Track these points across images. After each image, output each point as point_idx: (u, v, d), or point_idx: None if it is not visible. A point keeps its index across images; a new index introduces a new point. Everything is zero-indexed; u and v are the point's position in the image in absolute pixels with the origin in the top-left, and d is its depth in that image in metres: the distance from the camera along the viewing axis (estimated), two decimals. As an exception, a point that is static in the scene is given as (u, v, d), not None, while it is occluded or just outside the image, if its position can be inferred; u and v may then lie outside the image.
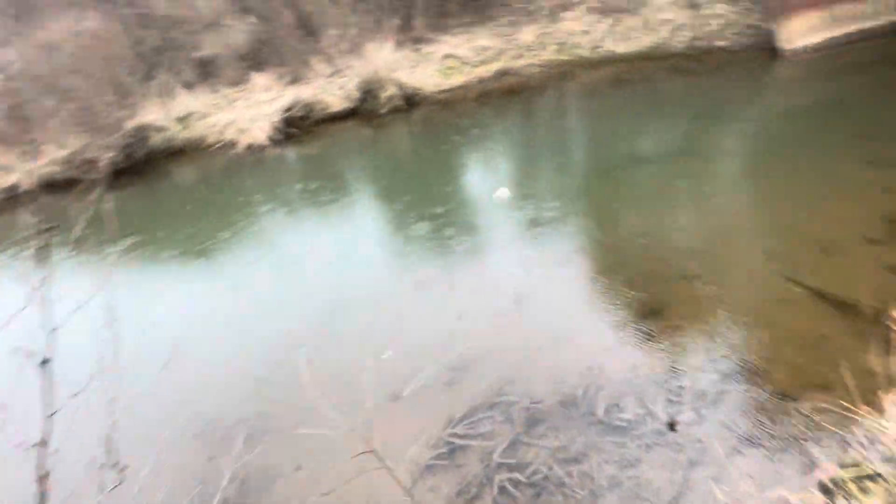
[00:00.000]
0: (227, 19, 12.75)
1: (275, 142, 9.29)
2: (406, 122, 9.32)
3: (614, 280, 3.50)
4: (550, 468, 2.31)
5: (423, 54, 11.38)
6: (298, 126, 9.73)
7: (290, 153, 9.06)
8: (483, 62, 10.56)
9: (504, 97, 9.25)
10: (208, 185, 8.32)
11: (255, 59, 12.94)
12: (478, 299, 3.69)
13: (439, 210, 5.18)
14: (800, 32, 7.05)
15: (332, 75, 11.16)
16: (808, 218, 3.69)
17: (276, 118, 9.51)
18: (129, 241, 5.70)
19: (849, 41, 6.94)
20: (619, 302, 3.28)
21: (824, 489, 1.56)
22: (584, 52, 9.67)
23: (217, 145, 9.78)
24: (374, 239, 5.11)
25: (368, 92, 9.68)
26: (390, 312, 3.79)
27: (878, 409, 1.86)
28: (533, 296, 3.57)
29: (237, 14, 12.73)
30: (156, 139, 10.22)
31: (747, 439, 2.17)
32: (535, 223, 4.48)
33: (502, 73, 10.15)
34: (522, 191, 5.19)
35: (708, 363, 2.64)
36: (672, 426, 2.32)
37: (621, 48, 9.23)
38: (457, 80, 10.32)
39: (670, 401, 2.48)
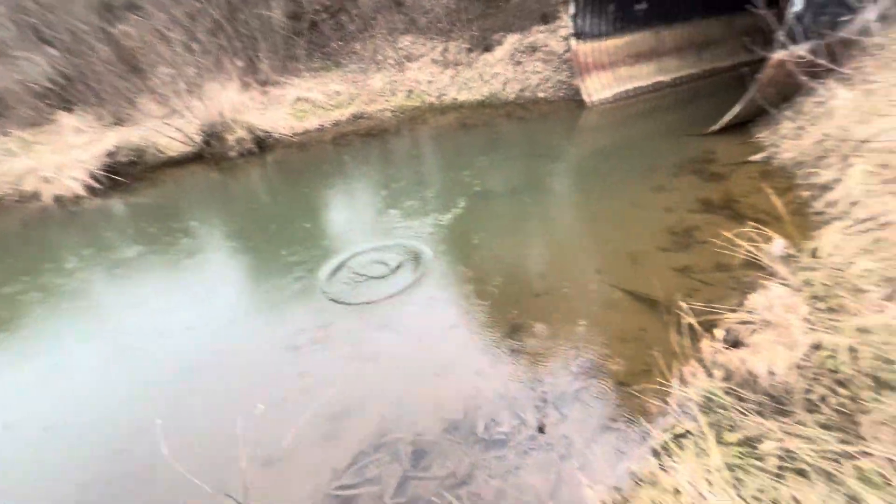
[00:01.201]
0: (18, 50, 10.75)
1: (95, 191, 7.97)
2: (259, 165, 8.87)
3: (479, 305, 3.79)
4: (441, 497, 2.35)
5: (273, 97, 11.12)
6: (128, 173, 8.52)
7: (117, 203, 7.85)
8: (337, 106, 10.72)
9: (360, 139, 9.47)
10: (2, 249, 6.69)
11: (61, 97, 11.10)
12: (350, 342, 3.64)
13: (301, 253, 5.03)
14: (596, 88, 8.77)
15: (166, 116, 10.11)
16: (619, 236, 4.53)
17: (96, 164, 8.19)
18: None
19: (631, 95, 8.87)
20: (485, 325, 3.56)
21: (655, 453, 1.91)
22: (432, 99, 10.52)
23: (12, 198, 7.99)
24: (227, 291, 4.69)
25: (213, 135, 9.01)
26: (257, 366, 3.50)
27: (682, 379, 2.36)
28: (406, 331, 3.66)
29: (32, 45, 10.82)
30: (-89, 195, 7.92)
31: (599, 427, 2.52)
32: (398, 259, 4.63)
33: (357, 117, 10.43)
34: (384, 227, 5.35)
35: (562, 366, 3.01)
36: (541, 429, 2.57)
37: (463, 96, 10.29)
38: (311, 122, 10.26)
39: (538, 406, 2.75)
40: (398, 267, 4.49)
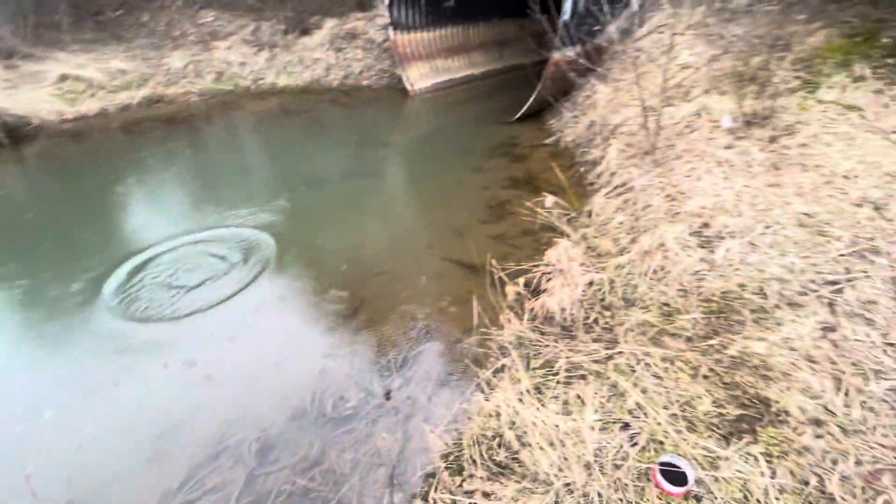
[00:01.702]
0: None
1: None
2: (14, 161, 6.98)
3: (320, 290, 3.75)
4: (293, 483, 2.32)
5: (26, 74, 8.79)
6: None
7: None
8: (124, 87, 9.03)
9: (160, 126, 8.19)
10: None
11: None
12: (179, 350, 3.23)
13: (94, 267, 4.20)
14: (417, 78, 9.23)
15: None
16: (445, 213, 4.95)
17: None
18: None
19: (449, 86, 9.57)
20: (328, 309, 3.54)
21: (480, 388, 2.23)
22: (247, 83, 9.66)
23: None
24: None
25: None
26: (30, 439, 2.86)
27: (500, 326, 2.77)
28: (246, 330, 3.42)
29: None
30: None
31: (438, 381, 2.79)
32: (229, 254, 4.25)
33: (154, 101, 8.96)
34: (205, 222, 4.81)
35: (403, 335, 3.21)
36: (388, 396, 2.72)
37: (283, 81, 9.70)
38: (90, 106, 8.46)
39: (383, 376, 2.89)
40: (225, 266, 4.11)
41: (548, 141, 6.49)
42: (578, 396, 2.00)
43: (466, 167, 6.04)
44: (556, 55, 6.29)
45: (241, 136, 7.92)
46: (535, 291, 3.07)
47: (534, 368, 2.30)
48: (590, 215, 4.00)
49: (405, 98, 9.16)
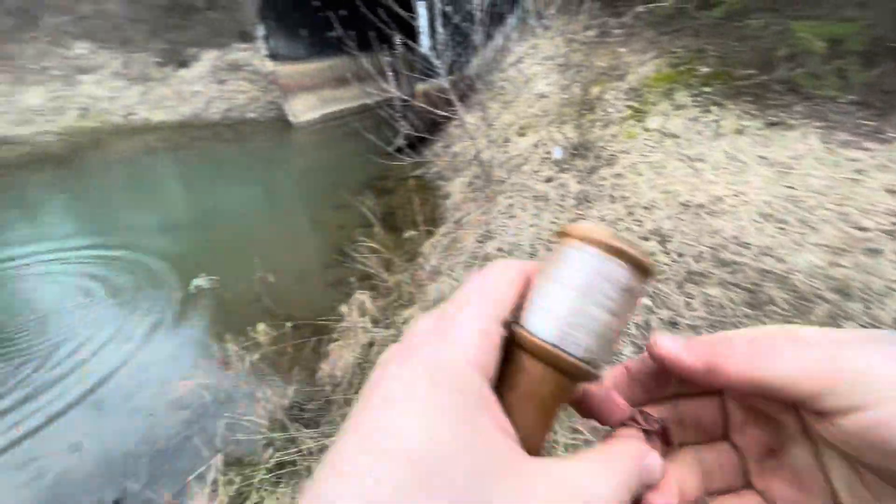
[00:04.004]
0: None
1: None
2: None
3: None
4: None
5: None
6: None
7: None
8: (-39, 128, 8.06)
9: (21, 172, 7.33)
10: None
11: None
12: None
13: None
14: (302, 109, 8.94)
15: None
16: (292, 257, 4.62)
17: None
18: None
19: (338, 117, 9.34)
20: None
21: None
22: (117, 119, 8.95)
23: None
24: None
25: None
26: None
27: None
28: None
29: None
30: None
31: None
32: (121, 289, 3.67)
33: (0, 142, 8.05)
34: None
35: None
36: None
37: (158, 116, 9.08)
38: (-85, 151, 7.44)
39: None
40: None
41: (416, 173, 6.36)
42: None
43: (330, 204, 5.76)
44: (422, 86, 6.22)
45: (98, 181, 7.23)
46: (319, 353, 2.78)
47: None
48: (414, 258, 3.80)
49: (289, 131, 8.82)
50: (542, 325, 0.25)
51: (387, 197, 5.79)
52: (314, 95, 9.13)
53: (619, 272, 0.25)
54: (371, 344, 2.62)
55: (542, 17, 6.83)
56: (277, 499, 1.76)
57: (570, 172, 3.94)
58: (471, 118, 6.40)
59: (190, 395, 2.65)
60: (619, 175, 3.81)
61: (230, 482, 1.88)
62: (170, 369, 3.12)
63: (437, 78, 6.45)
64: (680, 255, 2.85)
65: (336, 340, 2.80)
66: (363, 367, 2.51)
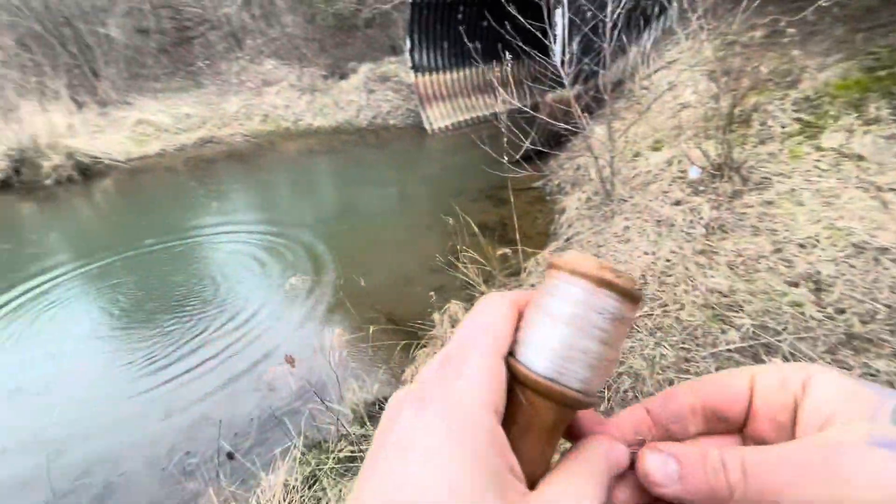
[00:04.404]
0: None
1: None
2: (84, 195, 8.20)
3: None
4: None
5: (113, 119, 10.37)
6: None
7: None
8: (185, 130, 10.28)
9: (210, 164, 9.17)
10: None
11: None
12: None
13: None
14: (437, 117, 9.41)
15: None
16: (405, 258, 4.91)
17: None
18: None
19: (468, 125, 9.62)
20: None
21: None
22: (288, 124, 10.52)
23: None
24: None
25: (23, 161, 8.17)
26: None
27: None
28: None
29: None
30: None
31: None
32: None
33: (206, 141, 10.08)
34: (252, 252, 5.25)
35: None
36: (230, 456, 2.69)
37: (318, 122, 10.43)
38: (153, 147, 9.73)
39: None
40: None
41: (537, 184, 6.19)
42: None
43: (448, 210, 5.95)
44: (551, 96, 6.06)
45: (267, 173, 8.60)
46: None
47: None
48: (517, 273, 3.70)
49: (424, 137, 9.35)
50: (539, 360, 0.26)
51: (502, 207, 5.76)
52: (448, 104, 9.54)
53: (610, 303, 0.25)
54: (454, 356, 2.63)
55: (693, 19, 6.10)
56: (340, 490, 1.87)
57: (706, 196, 3.44)
58: (599, 129, 6.02)
59: (291, 376, 2.99)
60: (769, 203, 3.21)
61: (306, 463, 2.07)
62: (288, 348, 3.56)
63: (566, 89, 6.21)
64: (840, 310, 2.29)
65: (424, 347, 2.88)
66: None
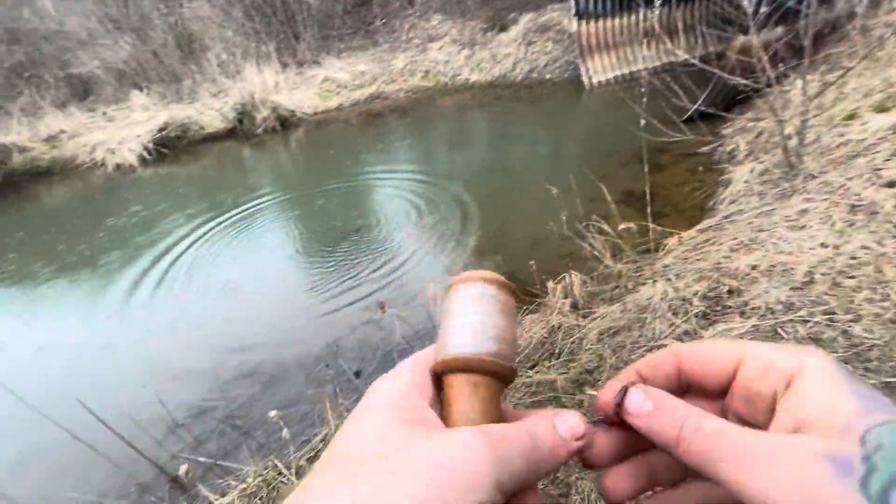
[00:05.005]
0: (102, 37, 12.64)
1: (146, 162, 9.47)
2: (283, 142, 9.90)
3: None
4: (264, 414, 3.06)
5: (306, 77, 12.06)
6: (174, 146, 9.96)
7: (164, 171, 9.28)
8: (359, 86, 11.43)
9: (377, 118, 10.15)
10: (84, 205, 8.35)
11: (136, 77, 12.89)
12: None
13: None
14: (598, 70, 8.61)
15: (214, 96, 11.48)
16: (538, 221, 4.83)
17: (147, 138, 9.69)
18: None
19: (632, 78, 8.59)
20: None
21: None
22: (446, 80, 10.86)
23: (86, 165, 9.76)
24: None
25: (244, 113, 10.16)
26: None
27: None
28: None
29: (112, 32, 12.66)
30: (17, 160, 9.95)
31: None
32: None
33: (374, 97, 11.08)
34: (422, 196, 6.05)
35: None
36: (357, 374, 3.17)
37: (475, 77, 10.51)
38: (334, 102, 11.10)
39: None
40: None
41: (704, 150, 5.31)
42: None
43: (595, 173, 5.58)
44: (734, 44, 5.02)
45: (425, 127, 9.14)
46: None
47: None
48: (653, 250, 3.35)
49: (581, 92, 8.71)
50: (453, 346, 0.31)
51: (656, 174, 5.15)
52: (612, 55, 8.61)
53: (488, 289, 0.32)
54: (559, 327, 2.59)
55: None
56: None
57: (941, 178, 2.55)
58: (793, 86, 4.82)
59: (409, 317, 3.31)
60: None
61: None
62: (412, 294, 3.92)
63: (753, 34, 5.03)
64: None
65: (532, 313, 2.88)
66: (544, 346, 2.53)
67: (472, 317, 0.31)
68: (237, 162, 9.38)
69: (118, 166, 9.39)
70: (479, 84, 10.37)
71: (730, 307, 2.18)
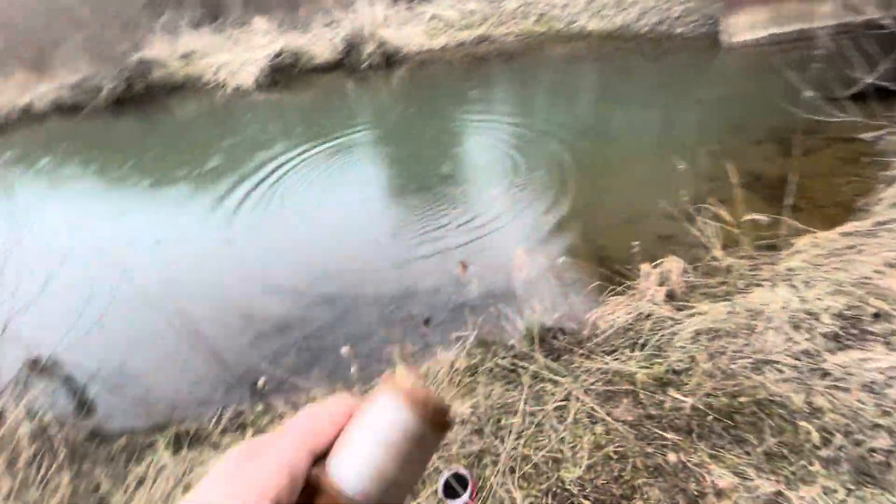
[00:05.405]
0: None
1: (260, 86, 10.05)
2: (385, 79, 9.93)
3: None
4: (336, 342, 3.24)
5: (415, 13, 11.77)
6: (286, 73, 10.42)
7: (277, 98, 9.80)
8: (467, 26, 10.94)
9: (481, 62, 9.74)
10: (207, 121, 9.21)
11: (259, 2, 13.46)
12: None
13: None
14: (744, 26, 7.34)
15: (326, 26, 11.68)
16: (649, 189, 4.41)
17: (264, 63, 10.21)
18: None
19: (789, 40, 7.22)
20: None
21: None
22: (560, 26, 9.99)
23: (210, 85, 10.60)
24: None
25: (353, 46, 10.25)
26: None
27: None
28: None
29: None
30: (157, 74, 11.06)
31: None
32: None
33: (481, 39, 10.57)
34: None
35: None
36: (427, 322, 3.21)
37: (593, 25, 9.52)
38: (439, 41, 10.78)
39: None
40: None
41: (866, 136, 4.37)
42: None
43: (717, 148, 4.91)
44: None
45: (531, 76, 8.60)
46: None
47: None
48: (777, 248, 2.88)
49: (716, 53, 7.54)
50: (344, 473, 0.28)
51: (802, 159, 4.36)
52: (768, 9, 7.25)
53: (410, 420, 0.27)
54: (648, 316, 2.36)
55: None
56: (488, 395, 2.04)
57: None
58: None
59: (487, 277, 3.23)
60: None
61: (472, 356, 2.31)
62: (498, 253, 3.82)
63: None
64: None
65: (618, 295, 2.66)
66: (627, 334, 2.34)
67: (374, 448, 0.27)
68: (341, 95, 9.61)
69: (237, 88, 10.08)
70: (596, 33, 9.40)
71: (872, 333, 1.80)
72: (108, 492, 1.95)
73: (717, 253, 2.75)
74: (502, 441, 1.72)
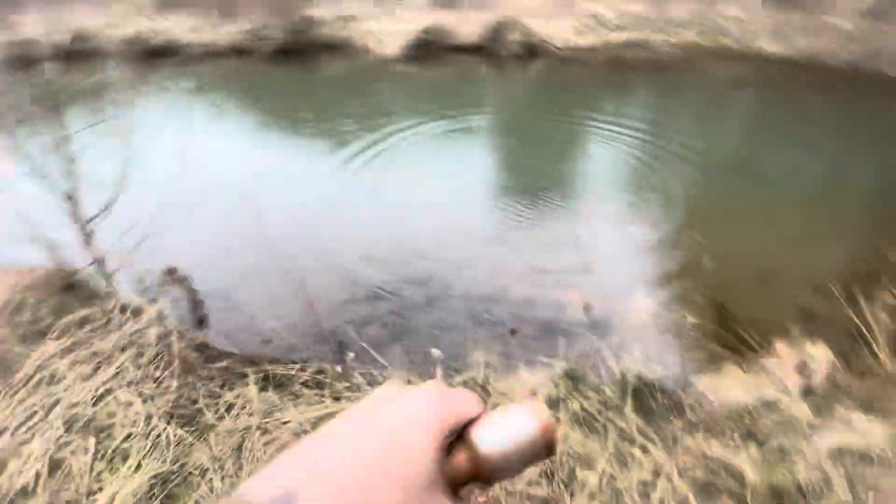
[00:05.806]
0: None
1: (402, 58, 10.41)
2: (522, 71, 9.73)
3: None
4: (420, 325, 3.27)
5: (568, 5, 11.29)
6: (428, 49, 10.68)
7: (413, 71, 10.10)
8: (621, 27, 10.27)
9: (627, 70, 9.12)
10: (351, 83, 9.85)
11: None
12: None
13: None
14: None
15: (477, 8, 11.70)
16: (812, 257, 3.82)
17: (411, 37, 10.54)
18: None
19: None
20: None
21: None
22: (729, 42, 8.91)
23: (359, 50, 11.24)
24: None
25: (497, 32, 10.16)
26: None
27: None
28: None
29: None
30: (317, 31, 11.97)
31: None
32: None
33: (633, 44, 9.84)
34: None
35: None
36: (513, 332, 3.10)
37: (774, 47, 8.34)
38: (587, 40, 10.26)
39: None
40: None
41: None
42: None
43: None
44: None
45: (673, 95, 7.85)
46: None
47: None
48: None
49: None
50: (486, 439, 0.35)
51: None
52: None
53: (538, 441, 0.35)
54: (773, 405, 2.01)
55: None
56: (566, 437, 1.89)
57: None
58: None
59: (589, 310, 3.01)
60: None
61: (557, 386, 2.17)
62: (603, 291, 3.57)
63: None
64: None
65: (740, 366, 2.31)
66: (741, 418, 2.02)
67: (509, 437, 0.35)
68: (474, 79, 9.62)
69: (381, 56, 10.56)
70: (774, 58, 8.23)
71: None
72: (202, 409, 2.17)
73: (883, 354, 2.25)
74: (572, 496, 1.58)
